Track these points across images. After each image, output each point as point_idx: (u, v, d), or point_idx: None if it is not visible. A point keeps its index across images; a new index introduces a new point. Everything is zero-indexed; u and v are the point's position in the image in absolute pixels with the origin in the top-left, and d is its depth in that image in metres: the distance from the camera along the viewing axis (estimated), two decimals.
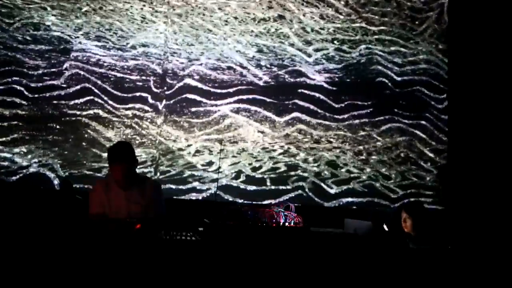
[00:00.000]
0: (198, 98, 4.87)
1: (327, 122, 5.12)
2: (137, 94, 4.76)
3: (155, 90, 4.79)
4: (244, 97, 4.97)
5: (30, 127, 4.52)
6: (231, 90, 4.94)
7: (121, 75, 4.73)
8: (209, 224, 2.67)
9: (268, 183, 4.88)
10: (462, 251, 2.97)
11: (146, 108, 4.76)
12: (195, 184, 4.73)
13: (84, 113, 4.63)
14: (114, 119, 4.69)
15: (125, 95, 4.74)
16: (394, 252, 2.83)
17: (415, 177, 5.26)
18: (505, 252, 2.95)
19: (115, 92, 4.72)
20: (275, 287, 2.59)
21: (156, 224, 2.85)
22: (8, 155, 4.43)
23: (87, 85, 4.69)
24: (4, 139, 4.46)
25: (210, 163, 4.77)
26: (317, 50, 5.19)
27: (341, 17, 5.29)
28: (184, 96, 4.84)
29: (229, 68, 4.97)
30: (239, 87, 4.97)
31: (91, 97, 4.67)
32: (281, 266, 2.61)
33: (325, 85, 5.17)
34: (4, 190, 4.30)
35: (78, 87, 4.65)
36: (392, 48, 5.38)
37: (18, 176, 4.42)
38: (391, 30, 5.40)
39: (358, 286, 2.67)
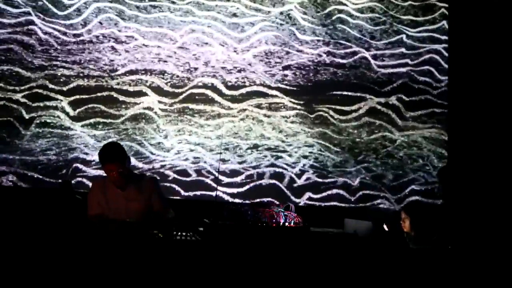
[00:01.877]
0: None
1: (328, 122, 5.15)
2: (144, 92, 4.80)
3: (164, 87, 4.81)
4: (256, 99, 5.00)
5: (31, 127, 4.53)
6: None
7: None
8: (209, 224, 2.67)
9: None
10: (462, 251, 2.97)
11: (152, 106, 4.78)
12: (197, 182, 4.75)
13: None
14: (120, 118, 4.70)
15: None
16: (394, 252, 2.83)
17: (415, 177, 5.26)
18: (505, 252, 2.95)
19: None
20: (275, 287, 2.59)
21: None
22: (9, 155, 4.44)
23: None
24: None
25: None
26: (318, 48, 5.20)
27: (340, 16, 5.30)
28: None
29: (240, 68, 4.98)
30: (251, 87, 4.99)
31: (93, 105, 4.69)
32: (281, 266, 2.61)
33: (328, 85, 5.18)
34: (4, 191, 4.30)
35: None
36: (393, 49, 5.38)
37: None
38: (392, 31, 5.40)
39: (358, 286, 2.67)
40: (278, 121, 5.01)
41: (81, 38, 4.70)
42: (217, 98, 4.90)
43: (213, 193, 4.54)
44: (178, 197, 4.67)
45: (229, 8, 5.00)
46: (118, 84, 4.72)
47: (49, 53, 4.64)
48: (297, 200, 4.90)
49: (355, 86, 5.22)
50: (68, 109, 4.61)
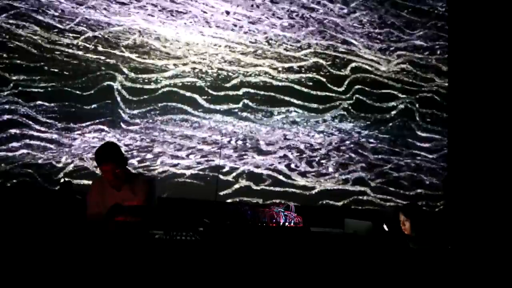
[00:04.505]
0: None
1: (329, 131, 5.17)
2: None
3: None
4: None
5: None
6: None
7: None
8: (209, 224, 2.67)
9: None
10: (462, 251, 2.97)
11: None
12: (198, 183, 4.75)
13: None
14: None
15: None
16: (394, 252, 2.83)
17: (416, 178, 5.28)
18: (504, 252, 2.95)
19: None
20: (275, 287, 2.59)
21: (142, 213, 2.86)
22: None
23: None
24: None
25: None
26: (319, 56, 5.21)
27: (340, 20, 5.31)
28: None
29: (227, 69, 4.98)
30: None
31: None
32: (281, 266, 2.61)
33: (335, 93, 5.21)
34: (4, 190, 4.30)
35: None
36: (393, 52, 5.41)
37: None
38: (392, 34, 5.43)
39: (358, 286, 2.67)
40: (282, 120, 5.02)
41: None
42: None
43: (213, 193, 4.54)
44: (178, 197, 4.66)
45: None
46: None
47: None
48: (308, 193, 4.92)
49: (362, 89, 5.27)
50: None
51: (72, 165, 4.50)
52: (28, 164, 4.42)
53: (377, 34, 5.38)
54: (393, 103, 5.36)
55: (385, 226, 3.27)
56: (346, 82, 5.24)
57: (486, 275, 2.81)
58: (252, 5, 5.06)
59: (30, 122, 4.46)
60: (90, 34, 4.65)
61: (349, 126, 5.18)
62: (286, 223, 2.78)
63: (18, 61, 4.48)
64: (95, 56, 4.64)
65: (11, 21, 4.49)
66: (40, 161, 4.44)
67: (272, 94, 5.03)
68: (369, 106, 5.29)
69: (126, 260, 2.46)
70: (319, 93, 5.16)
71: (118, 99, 4.66)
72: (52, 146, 4.48)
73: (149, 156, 4.68)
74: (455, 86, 5.43)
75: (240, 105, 4.93)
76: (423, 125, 5.42)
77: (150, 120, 4.72)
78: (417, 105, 5.43)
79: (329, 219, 3.60)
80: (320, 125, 5.12)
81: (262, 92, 5.01)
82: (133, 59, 4.73)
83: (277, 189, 4.92)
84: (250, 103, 4.96)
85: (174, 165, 4.72)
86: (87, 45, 4.63)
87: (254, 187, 4.86)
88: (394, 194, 5.22)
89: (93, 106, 4.60)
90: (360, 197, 5.13)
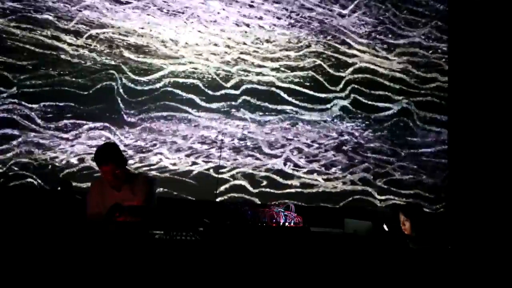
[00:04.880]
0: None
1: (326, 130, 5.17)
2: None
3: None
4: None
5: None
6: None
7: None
8: (209, 224, 2.67)
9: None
10: (462, 251, 2.97)
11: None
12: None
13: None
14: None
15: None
16: (394, 252, 2.83)
17: (416, 180, 5.29)
18: (504, 252, 2.95)
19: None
20: (275, 287, 2.59)
21: (141, 213, 2.86)
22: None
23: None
24: None
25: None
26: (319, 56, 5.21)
27: (340, 20, 5.30)
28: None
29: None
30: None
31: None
32: (281, 266, 2.61)
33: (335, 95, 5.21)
34: (5, 191, 4.30)
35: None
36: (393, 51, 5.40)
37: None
38: (391, 34, 5.42)
39: (358, 286, 2.67)
40: (285, 121, 5.02)
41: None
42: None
43: (212, 193, 4.54)
44: (178, 197, 4.66)
45: None
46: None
47: None
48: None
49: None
50: None
51: (72, 166, 4.50)
52: (28, 165, 4.43)
53: (377, 34, 5.38)
54: (393, 103, 5.35)
55: (385, 226, 3.27)
56: (345, 82, 5.24)
57: (486, 275, 2.81)
58: (252, 5, 5.06)
59: (30, 122, 4.47)
60: (90, 34, 4.66)
61: (349, 126, 5.19)
62: (286, 223, 2.78)
63: (19, 61, 4.49)
64: (95, 56, 4.65)
65: (11, 22, 4.49)
66: (40, 161, 4.45)
67: (272, 94, 5.03)
68: (369, 106, 5.28)
69: (126, 260, 2.46)
70: (319, 93, 5.16)
71: (118, 99, 4.67)
72: (52, 146, 4.48)
73: (149, 156, 4.69)
74: (456, 86, 5.42)
75: (240, 104, 4.94)
76: (423, 125, 5.42)
77: (150, 120, 4.72)
78: (418, 105, 5.42)
79: (329, 219, 3.60)
80: (320, 125, 5.12)
81: (262, 92, 5.01)
82: (133, 59, 4.73)
83: (277, 189, 4.93)
84: (250, 103, 4.97)
85: (174, 165, 4.72)
86: (87, 45, 4.64)
87: (254, 187, 4.86)
88: (395, 194, 5.22)
89: (93, 106, 4.61)
90: (360, 197, 5.13)
